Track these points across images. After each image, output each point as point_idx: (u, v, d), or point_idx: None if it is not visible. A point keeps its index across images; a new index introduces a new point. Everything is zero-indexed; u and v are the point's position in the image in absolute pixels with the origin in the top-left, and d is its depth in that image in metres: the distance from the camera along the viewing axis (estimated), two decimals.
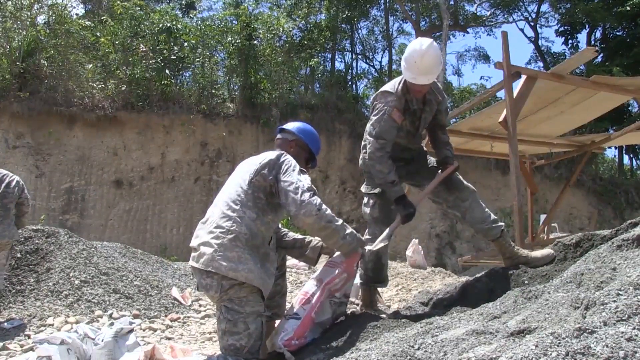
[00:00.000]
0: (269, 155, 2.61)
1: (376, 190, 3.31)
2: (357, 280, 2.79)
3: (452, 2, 20.98)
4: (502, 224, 3.24)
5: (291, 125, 2.93)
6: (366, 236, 3.30)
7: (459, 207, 3.24)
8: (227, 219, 2.44)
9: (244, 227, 2.43)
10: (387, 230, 3.09)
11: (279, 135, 2.93)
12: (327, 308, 2.67)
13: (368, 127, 3.21)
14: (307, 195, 2.40)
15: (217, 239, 2.40)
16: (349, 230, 2.57)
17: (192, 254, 2.49)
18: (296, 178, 2.46)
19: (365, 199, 3.41)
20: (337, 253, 2.77)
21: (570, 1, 19.72)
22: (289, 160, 2.57)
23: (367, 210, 3.36)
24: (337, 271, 2.69)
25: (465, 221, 3.28)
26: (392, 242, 3.39)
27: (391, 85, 3.20)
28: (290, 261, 6.96)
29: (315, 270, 7.26)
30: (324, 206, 2.44)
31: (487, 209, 3.26)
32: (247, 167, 2.64)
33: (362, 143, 3.46)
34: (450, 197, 3.25)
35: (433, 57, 3.02)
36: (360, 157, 3.47)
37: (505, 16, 22.33)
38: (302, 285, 6.34)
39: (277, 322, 2.96)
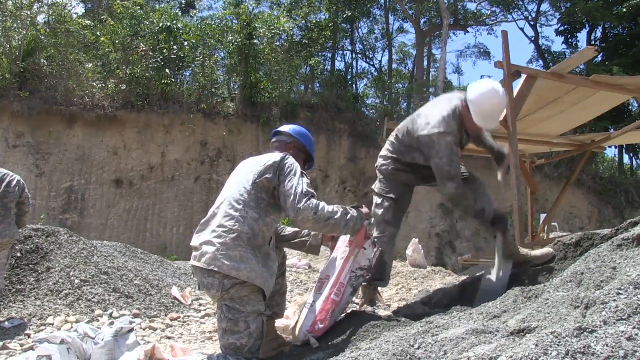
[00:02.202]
0: (273, 157, 2.62)
1: (393, 195, 3.32)
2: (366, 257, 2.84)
3: (452, 0, 20.97)
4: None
5: (287, 128, 2.95)
6: (375, 233, 3.31)
7: None
8: (229, 218, 2.45)
9: (246, 226, 2.43)
10: (498, 256, 3.05)
11: (274, 139, 2.95)
12: (347, 287, 2.75)
13: (436, 169, 3.06)
14: (303, 200, 2.43)
15: (219, 238, 2.40)
16: (349, 215, 2.59)
17: (194, 253, 2.49)
18: (295, 182, 2.48)
19: (379, 200, 3.39)
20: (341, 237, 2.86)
21: (570, 0, 19.70)
22: (292, 163, 2.58)
23: (380, 211, 3.35)
24: (348, 250, 2.76)
25: None
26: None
27: (445, 124, 3.02)
28: (290, 260, 6.96)
29: (315, 269, 7.27)
30: (320, 206, 2.46)
31: (495, 202, 3.26)
32: (250, 167, 2.64)
33: (386, 153, 3.43)
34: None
35: (505, 104, 3.06)
36: (380, 164, 3.44)
37: (504, 14, 22.35)
38: (302, 285, 6.36)
39: (277, 321, 2.97)
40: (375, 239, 3.25)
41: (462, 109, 3.05)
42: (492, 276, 3.05)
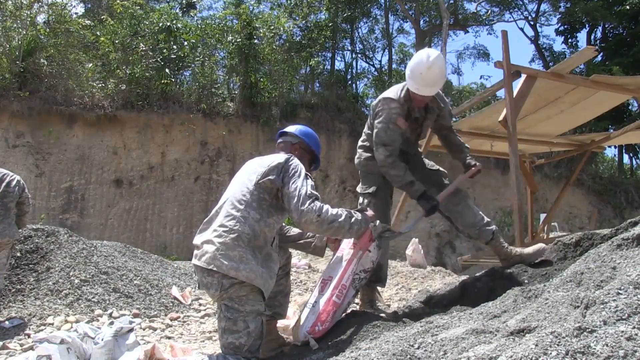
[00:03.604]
0: (277, 158, 2.62)
1: (370, 190, 3.32)
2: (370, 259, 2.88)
3: (451, 1, 20.98)
4: (494, 227, 3.25)
5: (293, 129, 2.95)
6: None
7: (451, 211, 3.26)
8: (230, 218, 2.46)
9: (247, 227, 2.43)
10: (410, 223, 3.21)
11: (280, 139, 2.94)
12: (350, 289, 2.75)
13: (374, 135, 3.19)
14: (307, 202, 2.43)
15: (219, 238, 2.41)
16: (353, 219, 2.59)
17: (195, 252, 2.49)
18: (299, 184, 2.48)
19: (360, 199, 3.41)
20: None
21: (570, 0, 19.71)
22: (296, 165, 2.58)
23: None
24: (352, 252, 2.76)
25: (457, 224, 3.30)
26: (392, 241, 3.40)
27: (394, 92, 3.20)
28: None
29: (315, 269, 7.27)
30: (324, 209, 2.45)
31: (479, 213, 3.27)
32: (253, 167, 2.64)
33: (360, 143, 3.47)
34: (443, 201, 3.27)
35: (439, 69, 3.04)
36: (357, 156, 3.48)
37: (501, 14, 22.36)
38: (302, 285, 6.36)
39: (279, 321, 2.97)
40: None
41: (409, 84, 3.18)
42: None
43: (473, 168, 3.36)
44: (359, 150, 3.46)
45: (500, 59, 5.23)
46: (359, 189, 3.46)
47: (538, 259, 3.13)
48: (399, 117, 3.12)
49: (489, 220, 3.28)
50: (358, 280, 2.79)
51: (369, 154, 3.37)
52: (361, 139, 3.49)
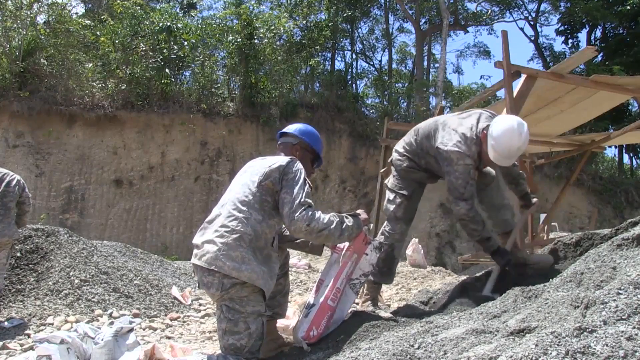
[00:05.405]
0: (279, 160, 2.61)
1: (405, 192, 3.31)
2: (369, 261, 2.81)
3: (452, 1, 20.98)
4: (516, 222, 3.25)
5: (292, 128, 2.91)
6: (385, 228, 3.30)
7: (478, 188, 3.21)
8: (233, 218, 2.45)
9: (249, 228, 2.44)
10: (489, 284, 3.04)
11: (280, 140, 2.92)
12: (349, 292, 2.74)
13: (450, 188, 3.03)
14: (298, 210, 2.43)
15: (221, 238, 2.40)
16: (344, 225, 2.58)
17: (195, 251, 2.49)
18: (295, 191, 2.48)
19: (391, 196, 3.38)
20: None
21: (570, 0, 19.71)
22: (297, 170, 2.57)
23: (392, 207, 3.34)
24: (347, 255, 2.75)
25: (482, 204, 3.26)
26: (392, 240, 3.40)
27: (467, 146, 2.97)
28: (290, 260, 6.96)
29: (315, 269, 7.27)
30: (315, 217, 2.45)
31: (508, 200, 3.24)
32: (256, 168, 2.63)
33: (401, 150, 3.39)
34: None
35: (524, 147, 2.94)
36: (397, 158, 3.41)
37: (501, 14, 22.38)
38: (302, 285, 6.36)
39: (278, 321, 2.97)
40: (387, 235, 3.26)
41: (482, 137, 2.97)
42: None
43: (533, 205, 3.31)
44: (401, 157, 3.39)
45: (500, 58, 5.22)
46: (390, 184, 3.43)
47: (541, 268, 3.12)
48: (475, 171, 3.03)
49: (514, 213, 3.28)
50: (359, 285, 2.78)
51: (412, 164, 3.34)
52: (404, 147, 3.40)
